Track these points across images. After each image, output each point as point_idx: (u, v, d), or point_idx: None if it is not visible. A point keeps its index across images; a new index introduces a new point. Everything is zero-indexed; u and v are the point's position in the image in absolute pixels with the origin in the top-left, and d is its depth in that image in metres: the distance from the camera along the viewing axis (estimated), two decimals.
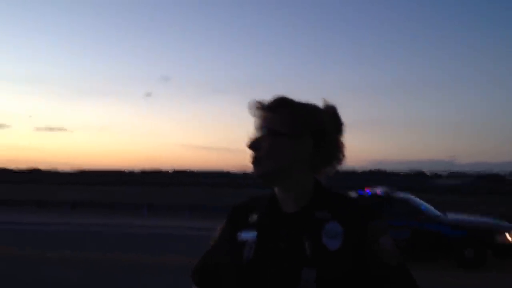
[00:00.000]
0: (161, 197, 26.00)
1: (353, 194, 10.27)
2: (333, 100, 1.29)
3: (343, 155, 1.29)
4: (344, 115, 1.29)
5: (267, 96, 1.32)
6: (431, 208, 9.98)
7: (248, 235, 1.24)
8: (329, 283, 1.12)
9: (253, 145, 1.24)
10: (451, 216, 9.82)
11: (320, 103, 1.31)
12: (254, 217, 1.28)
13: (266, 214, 1.26)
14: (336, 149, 1.28)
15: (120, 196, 26.11)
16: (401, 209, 9.53)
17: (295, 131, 1.23)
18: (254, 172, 1.25)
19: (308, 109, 1.27)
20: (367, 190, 10.03)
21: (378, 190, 10.04)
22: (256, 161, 1.24)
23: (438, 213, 9.79)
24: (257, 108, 1.27)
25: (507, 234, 8.78)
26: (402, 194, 10.24)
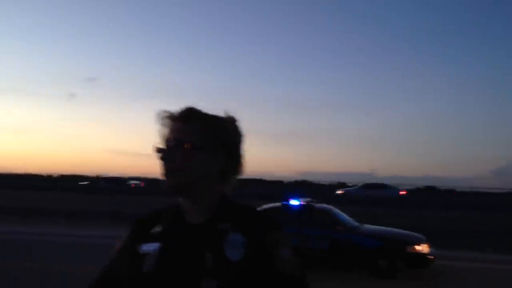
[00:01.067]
0: (80, 203, 24.80)
1: (276, 204, 10.45)
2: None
3: (245, 166, 1.34)
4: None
5: (193, 103, 1.32)
6: (349, 219, 10.36)
7: (150, 247, 1.23)
8: None
9: (167, 156, 1.23)
10: (368, 227, 10.27)
11: (222, 114, 1.32)
12: (157, 229, 1.27)
13: (169, 226, 1.26)
14: (241, 160, 1.32)
15: (35, 202, 24.58)
16: (322, 220, 9.83)
17: (209, 144, 1.25)
18: (166, 184, 1.24)
19: (218, 121, 1.29)
20: (291, 201, 10.21)
21: (301, 201, 10.27)
22: (169, 173, 1.23)
23: (356, 224, 10.18)
24: (168, 118, 1.27)
25: (418, 246, 9.27)
26: (323, 205, 10.56)
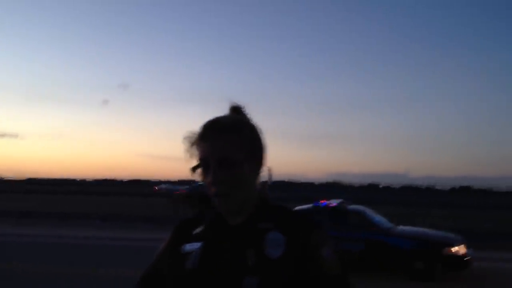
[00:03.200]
0: (113, 207, 25.29)
1: (308, 205, 10.37)
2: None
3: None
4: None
5: (225, 108, 1.33)
6: (384, 220, 10.19)
7: (192, 247, 1.27)
8: None
9: (215, 180, 1.21)
10: (402, 228, 10.07)
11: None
12: (199, 230, 1.31)
13: (211, 226, 1.29)
14: (265, 159, 1.33)
15: (71, 206, 25.20)
16: (355, 221, 9.71)
17: (250, 155, 1.25)
18: (221, 207, 1.24)
19: (254, 130, 1.30)
20: (323, 202, 10.14)
21: (333, 202, 10.17)
22: (220, 196, 1.22)
23: (390, 225, 10.01)
24: (206, 132, 1.23)
25: (455, 247, 9.04)
26: (356, 207, 10.41)
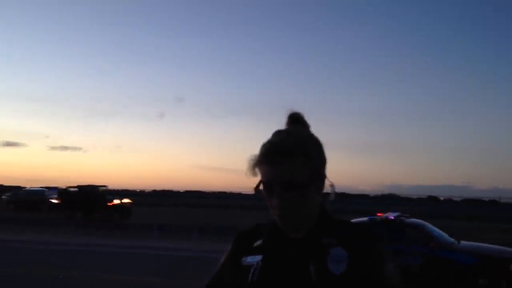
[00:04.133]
0: (171, 217, 25.83)
1: (364, 218, 10.15)
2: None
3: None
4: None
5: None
6: (444, 234, 9.80)
7: (253, 259, 1.27)
8: None
9: (283, 205, 1.20)
10: (465, 243, 9.65)
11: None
12: (259, 242, 1.31)
13: (271, 239, 1.29)
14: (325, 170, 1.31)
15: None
16: (414, 235, 9.41)
17: (314, 175, 1.22)
18: (281, 223, 1.24)
19: (318, 145, 1.28)
20: (380, 216, 9.86)
21: (391, 215, 9.89)
22: (285, 220, 1.23)
23: (451, 240, 9.61)
24: (269, 154, 1.20)
25: None
26: (414, 220, 10.09)
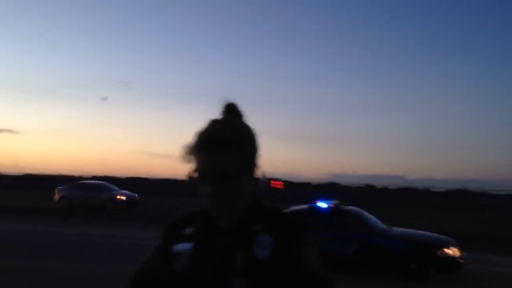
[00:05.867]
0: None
1: (303, 206, 10.42)
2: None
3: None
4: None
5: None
6: (379, 222, 10.27)
7: (182, 247, 1.31)
8: None
9: (214, 192, 1.23)
10: (397, 230, 10.14)
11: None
12: (190, 230, 1.34)
13: (201, 227, 1.32)
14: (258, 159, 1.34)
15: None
16: (350, 222, 9.77)
17: (248, 164, 1.28)
18: (213, 210, 1.27)
19: (252, 136, 1.31)
20: (319, 203, 10.15)
21: (329, 203, 10.23)
22: (218, 206, 1.25)
23: (385, 226, 10.09)
24: (206, 142, 1.23)
25: (449, 249, 9.14)
26: (351, 208, 10.46)
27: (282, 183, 46.95)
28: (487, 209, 30.64)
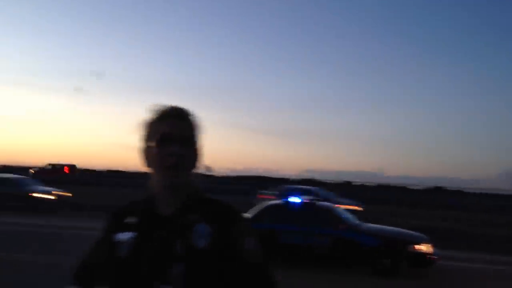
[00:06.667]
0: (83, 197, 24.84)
1: (279, 201, 10.42)
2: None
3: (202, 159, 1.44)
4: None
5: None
6: (351, 217, 10.33)
7: (124, 236, 1.35)
8: (197, 278, 1.26)
9: (179, 153, 1.29)
10: (369, 225, 10.23)
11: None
12: (131, 220, 1.38)
13: (142, 216, 1.37)
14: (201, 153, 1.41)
15: None
16: (324, 218, 9.80)
17: (198, 140, 1.37)
18: (174, 180, 1.31)
19: (199, 129, 1.40)
20: (293, 198, 10.17)
21: (303, 198, 10.26)
22: (178, 170, 1.30)
23: (357, 222, 10.15)
24: (167, 113, 1.34)
25: (420, 245, 9.23)
26: (325, 203, 10.55)
27: (68, 168, 47.86)
28: (462, 207, 31.21)
